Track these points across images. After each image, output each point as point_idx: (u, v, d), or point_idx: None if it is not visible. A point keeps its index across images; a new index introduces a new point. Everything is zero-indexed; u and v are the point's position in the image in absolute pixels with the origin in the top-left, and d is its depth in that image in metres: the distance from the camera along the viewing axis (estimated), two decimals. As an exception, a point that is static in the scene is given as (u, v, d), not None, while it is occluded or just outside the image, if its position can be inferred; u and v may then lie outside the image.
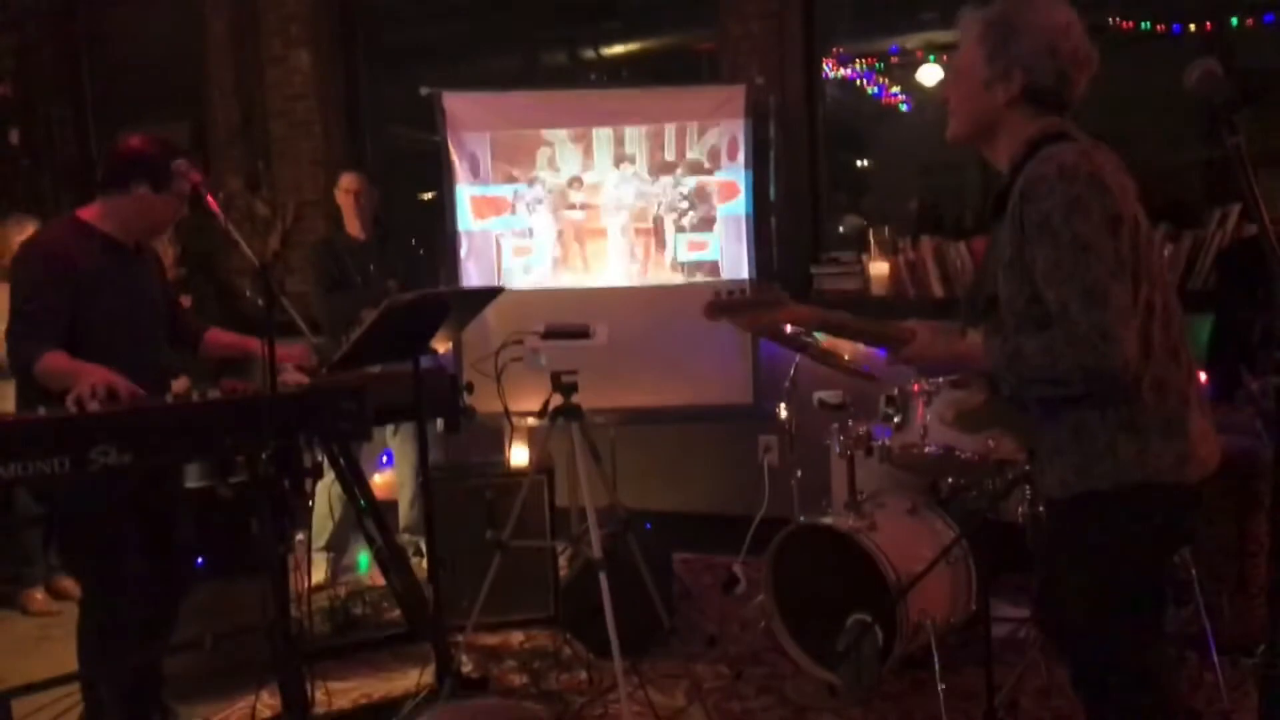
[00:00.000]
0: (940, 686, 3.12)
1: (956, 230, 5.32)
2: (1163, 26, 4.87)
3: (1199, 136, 4.72)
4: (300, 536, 3.99)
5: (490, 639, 3.97)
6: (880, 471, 3.84)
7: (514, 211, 4.81)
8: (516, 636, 4.03)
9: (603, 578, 3.19)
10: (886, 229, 5.01)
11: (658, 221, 4.78)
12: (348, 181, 4.87)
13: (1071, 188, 1.89)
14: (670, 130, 4.73)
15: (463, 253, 4.82)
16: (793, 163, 5.03)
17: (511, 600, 3.95)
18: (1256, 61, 4.83)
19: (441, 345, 3.46)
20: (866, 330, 2.31)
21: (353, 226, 4.85)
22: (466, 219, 4.82)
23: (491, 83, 5.91)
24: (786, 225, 5.04)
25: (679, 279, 4.79)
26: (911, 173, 7.91)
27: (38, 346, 2.81)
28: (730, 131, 4.70)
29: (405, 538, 4.67)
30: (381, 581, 3.95)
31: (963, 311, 2.32)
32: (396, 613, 3.93)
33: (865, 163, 7.61)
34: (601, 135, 4.75)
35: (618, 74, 6.34)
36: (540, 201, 4.80)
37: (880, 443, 3.64)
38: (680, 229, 4.77)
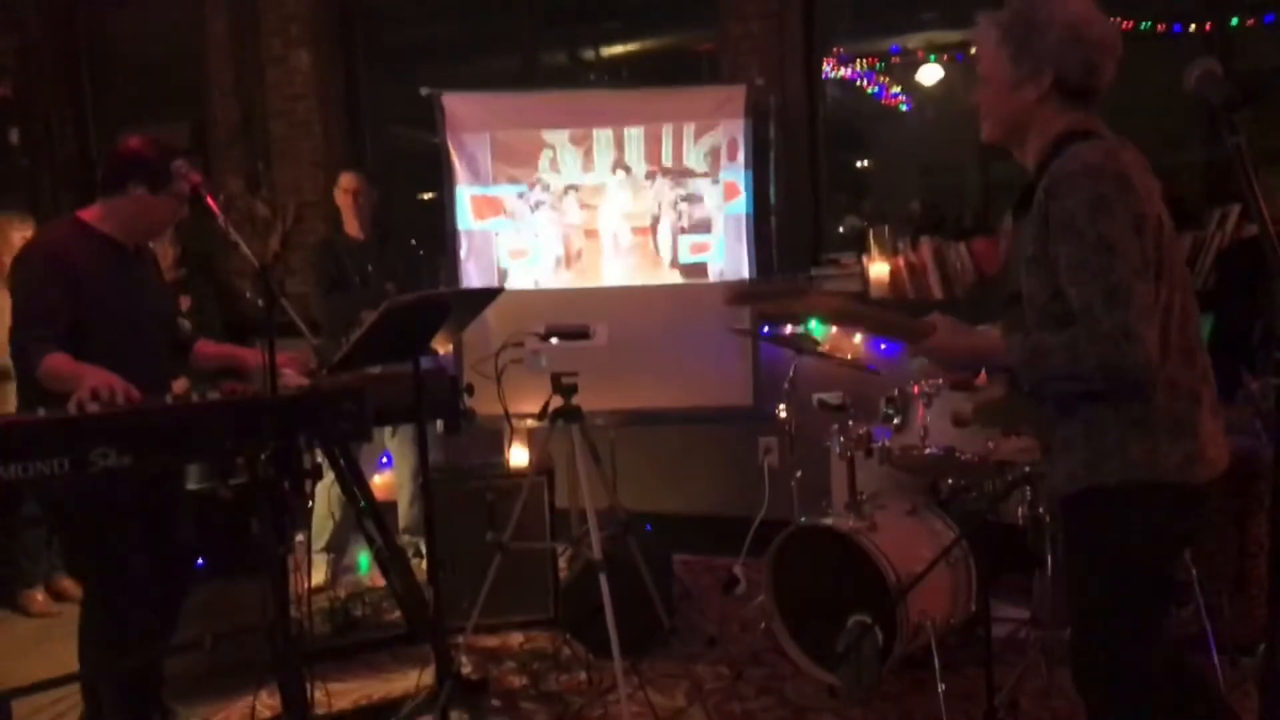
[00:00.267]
0: (940, 687, 3.12)
1: (957, 231, 5.32)
2: (1163, 26, 4.87)
3: (1199, 136, 4.73)
4: (300, 537, 3.99)
5: (490, 640, 3.97)
6: (880, 472, 3.84)
7: (510, 213, 4.81)
8: (516, 638, 4.03)
9: (603, 579, 3.19)
10: (886, 230, 5.00)
11: (656, 222, 4.78)
12: (346, 181, 4.87)
13: (1097, 186, 1.90)
14: (670, 131, 4.73)
15: (463, 253, 4.82)
16: (793, 163, 5.03)
17: (511, 601, 3.95)
18: (1256, 61, 4.83)
19: (442, 346, 3.46)
20: (888, 322, 2.32)
21: (351, 227, 4.85)
22: (467, 219, 4.82)
23: (491, 83, 5.92)
24: (786, 226, 5.04)
25: (679, 280, 4.79)
26: (911, 173, 7.91)
27: (40, 348, 2.81)
28: (730, 132, 4.70)
29: (405, 539, 4.67)
30: (381, 582, 3.94)
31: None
32: (396, 614, 3.92)
33: (865, 163, 7.61)
34: (601, 136, 4.75)
35: (618, 74, 6.34)
36: (542, 203, 4.80)
37: (880, 444, 3.64)
38: (682, 230, 4.77)
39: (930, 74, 6.54)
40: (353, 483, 3.50)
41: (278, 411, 2.71)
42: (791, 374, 4.09)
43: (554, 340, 3.66)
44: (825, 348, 4.38)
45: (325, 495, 4.35)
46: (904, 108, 7.09)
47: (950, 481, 3.80)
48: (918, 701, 3.33)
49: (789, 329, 4.82)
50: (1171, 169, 4.91)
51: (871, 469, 3.81)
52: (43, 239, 3.09)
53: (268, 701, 3.25)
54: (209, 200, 2.99)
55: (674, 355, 4.68)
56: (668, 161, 4.74)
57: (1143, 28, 5.47)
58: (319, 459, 3.01)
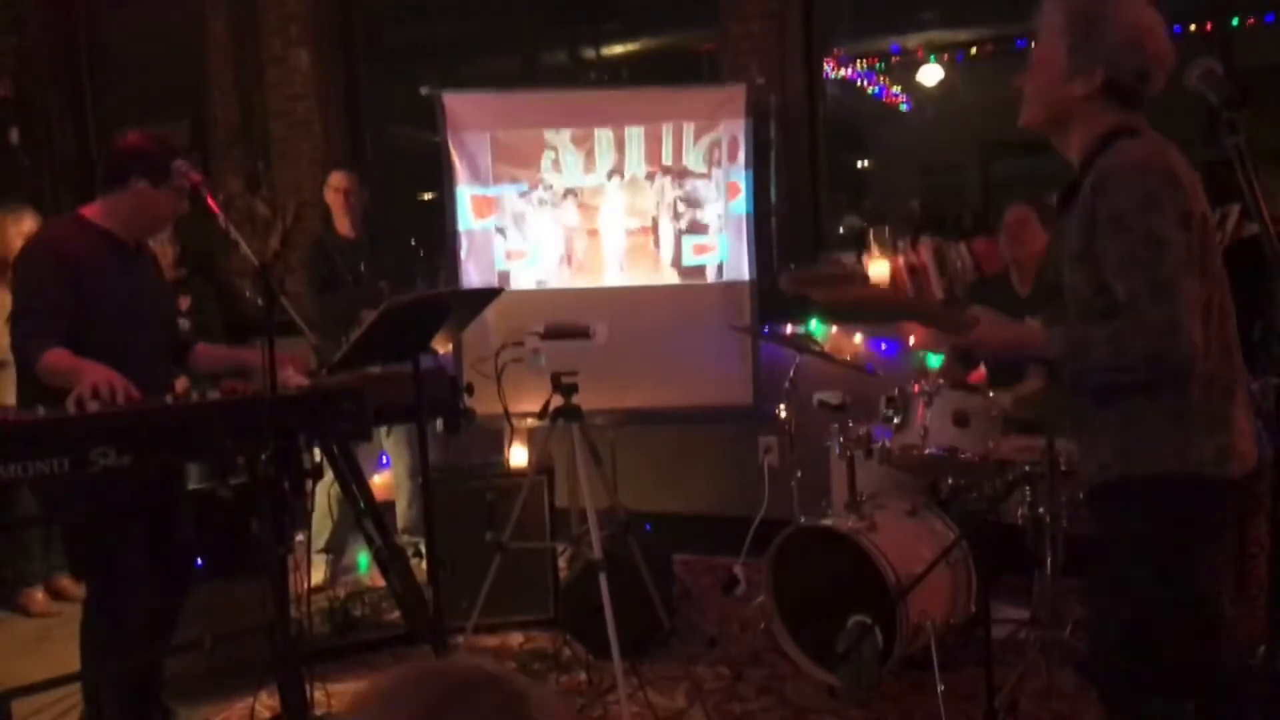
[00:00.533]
0: (940, 687, 3.11)
1: (957, 230, 5.32)
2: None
3: (1199, 136, 4.72)
4: (300, 537, 3.99)
5: (490, 640, 3.97)
6: (880, 472, 3.83)
7: (509, 215, 4.81)
8: (516, 638, 4.02)
9: (603, 579, 3.18)
10: (886, 229, 5.00)
11: (656, 222, 4.78)
12: (337, 180, 4.85)
13: (1146, 182, 1.92)
14: (670, 130, 4.73)
15: (463, 253, 4.82)
16: (793, 163, 5.02)
17: (511, 601, 3.94)
18: (1256, 61, 4.83)
19: (442, 346, 3.46)
20: (934, 313, 2.38)
21: (343, 225, 4.83)
22: (467, 219, 4.82)
23: (491, 82, 5.91)
24: (787, 225, 5.04)
25: (679, 279, 4.79)
26: (911, 172, 7.92)
27: (41, 342, 2.81)
28: (731, 131, 4.70)
29: (404, 539, 4.66)
30: (381, 583, 3.95)
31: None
32: (396, 614, 3.93)
33: (865, 163, 7.62)
34: (602, 136, 4.75)
35: (618, 74, 6.34)
36: (545, 202, 4.79)
37: (880, 444, 3.63)
38: (685, 231, 4.76)
39: (930, 74, 6.55)
40: (353, 482, 3.50)
41: (278, 411, 2.71)
42: (792, 373, 4.08)
43: (554, 340, 3.65)
44: (825, 348, 4.38)
45: (325, 495, 4.35)
46: (904, 107, 7.09)
47: (950, 481, 3.80)
48: (917, 702, 3.33)
49: (789, 328, 4.83)
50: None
51: (871, 469, 3.81)
52: (45, 235, 3.10)
53: (267, 702, 3.25)
54: (209, 199, 2.99)
55: (674, 355, 4.68)
56: (668, 161, 4.74)
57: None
58: (318, 458, 3.01)
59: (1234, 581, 3.43)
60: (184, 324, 4.53)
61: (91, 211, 3.05)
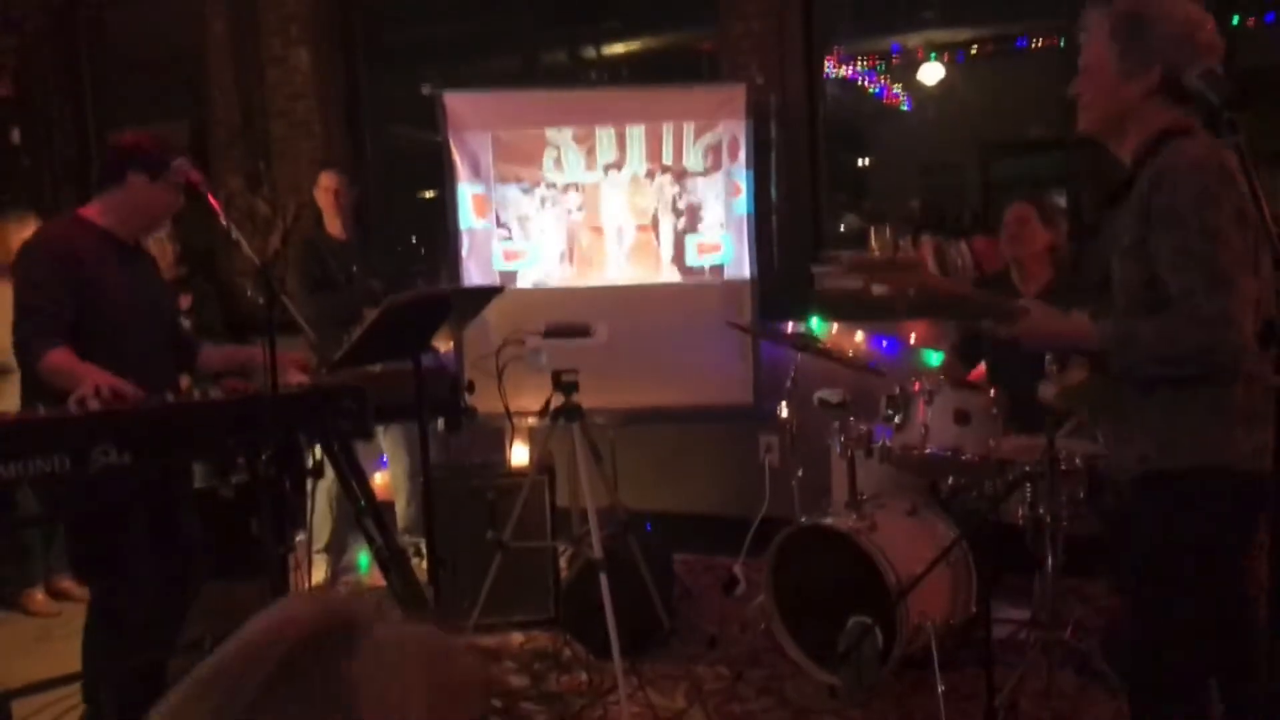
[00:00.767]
0: (940, 688, 3.11)
1: (956, 229, 5.32)
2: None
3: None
4: (300, 537, 3.98)
5: (490, 640, 3.97)
6: (881, 471, 3.83)
7: (508, 213, 4.81)
8: (517, 637, 4.02)
9: (603, 578, 3.18)
10: (887, 228, 5.00)
11: (657, 220, 4.78)
12: (326, 180, 4.83)
13: (1204, 180, 1.95)
14: (670, 129, 4.73)
15: (464, 252, 4.82)
16: (793, 162, 5.02)
17: (512, 601, 3.95)
18: (1256, 61, 4.82)
19: (442, 344, 3.46)
20: (985, 303, 2.42)
21: (333, 226, 4.82)
22: (468, 217, 4.82)
23: (492, 82, 5.91)
24: (787, 224, 5.04)
25: (680, 279, 4.79)
26: (911, 172, 7.92)
27: (43, 343, 2.81)
28: (731, 131, 4.70)
29: (405, 539, 4.66)
30: (382, 582, 3.94)
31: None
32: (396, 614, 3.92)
33: (865, 162, 7.62)
34: (602, 135, 4.75)
35: (618, 73, 6.35)
36: (547, 200, 4.79)
37: (881, 443, 3.63)
38: (686, 230, 4.76)
39: (930, 73, 6.55)
40: (353, 481, 3.50)
41: (279, 409, 2.71)
42: (792, 372, 4.09)
43: (555, 338, 3.66)
44: (826, 346, 4.38)
45: (325, 495, 4.34)
46: (904, 107, 7.09)
47: (950, 481, 3.80)
48: (918, 702, 3.33)
49: (790, 327, 4.83)
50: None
51: (872, 468, 3.81)
52: (45, 234, 3.10)
53: (268, 701, 3.24)
54: (210, 199, 2.99)
55: (675, 353, 4.68)
56: (668, 160, 4.74)
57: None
58: (319, 457, 3.01)
59: (1269, 574, 3.44)
60: (185, 323, 4.54)
61: (90, 211, 3.05)
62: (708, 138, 4.72)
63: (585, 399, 3.40)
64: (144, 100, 6.38)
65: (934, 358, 4.63)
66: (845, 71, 6.18)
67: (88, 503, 2.87)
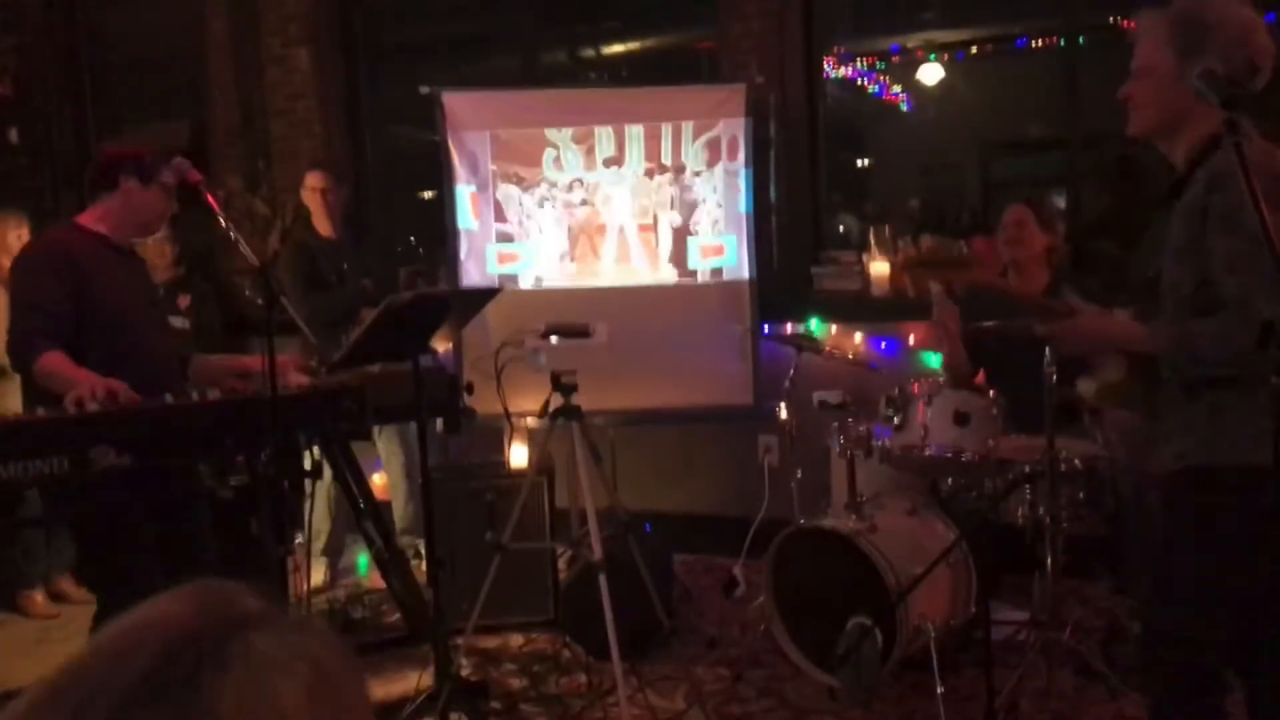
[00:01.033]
0: (940, 689, 3.11)
1: (956, 229, 5.31)
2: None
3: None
4: (300, 538, 3.98)
5: (489, 641, 3.96)
6: (880, 472, 3.83)
7: (507, 212, 4.80)
8: (516, 639, 4.02)
9: (602, 580, 3.17)
10: (887, 228, 5.00)
11: (656, 220, 4.77)
12: (313, 180, 4.80)
13: (1260, 181, 1.94)
14: (669, 129, 4.72)
15: (463, 252, 4.81)
16: (793, 162, 5.02)
17: (511, 602, 3.93)
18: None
19: (441, 344, 3.46)
20: (1035, 302, 2.47)
21: (323, 225, 4.79)
22: (467, 217, 4.82)
23: (491, 82, 5.91)
24: (787, 224, 5.03)
25: (677, 277, 4.78)
26: (911, 172, 7.92)
27: (39, 343, 2.81)
28: (730, 130, 4.69)
29: (404, 540, 4.66)
30: (381, 584, 3.94)
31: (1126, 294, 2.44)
32: (396, 615, 3.92)
33: (865, 162, 7.61)
34: (602, 134, 4.74)
35: (617, 73, 6.34)
36: (547, 199, 4.79)
37: (880, 443, 3.63)
38: (685, 230, 4.76)
39: (930, 73, 6.55)
40: (352, 482, 3.50)
41: (278, 410, 2.71)
42: (792, 373, 4.08)
43: (554, 339, 3.65)
44: (826, 346, 4.38)
45: (324, 496, 4.34)
46: (904, 107, 7.09)
47: (950, 481, 3.79)
48: (918, 703, 3.32)
49: (789, 327, 4.82)
50: (1171, 167, 4.91)
51: (872, 468, 3.80)
52: (42, 240, 3.13)
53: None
54: (209, 199, 3.00)
55: (674, 354, 4.67)
56: (667, 160, 4.73)
57: (1144, 27, 5.45)
58: (318, 458, 3.01)
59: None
60: (184, 323, 4.54)
61: (85, 219, 3.09)
62: (707, 137, 4.72)
63: (585, 399, 3.40)
64: (144, 100, 6.38)
65: (933, 359, 4.62)
66: (845, 71, 6.17)
67: (88, 504, 2.87)
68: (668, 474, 5.12)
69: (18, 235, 4.37)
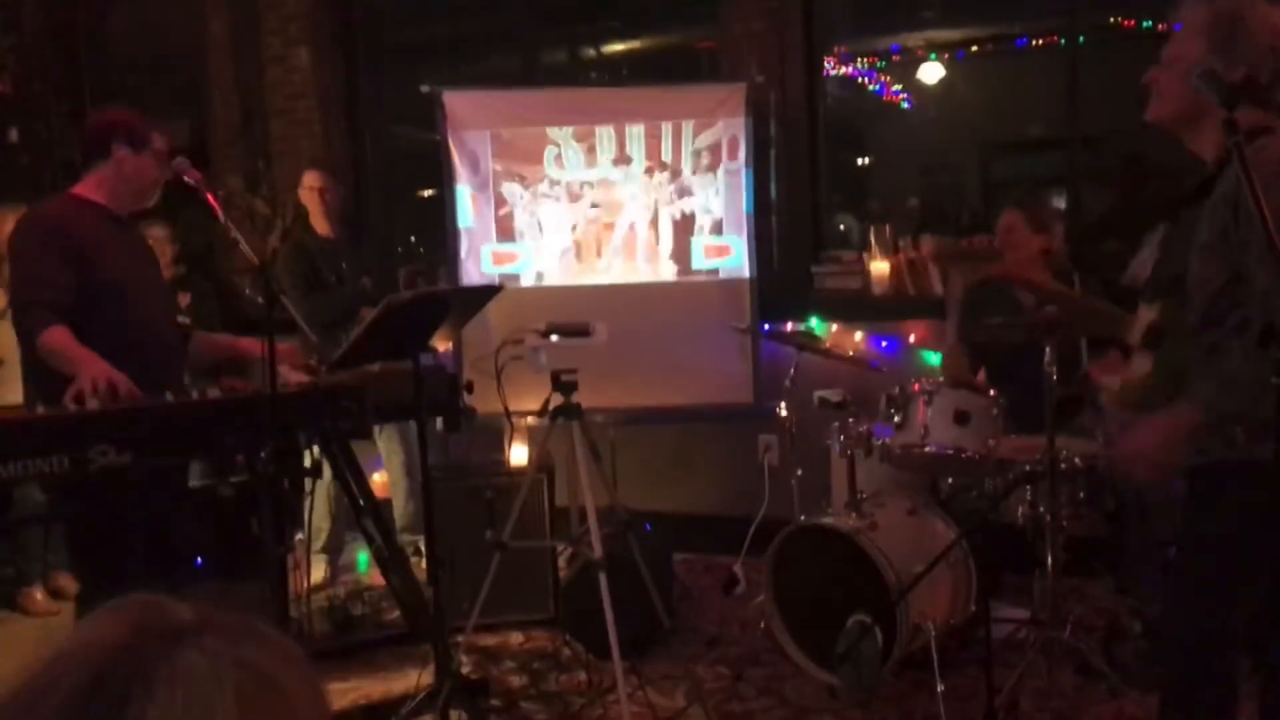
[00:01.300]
0: (940, 688, 3.11)
1: (956, 228, 5.31)
2: (1164, 25, 4.86)
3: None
4: (300, 536, 3.98)
5: (489, 639, 3.97)
6: (880, 471, 3.83)
7: (507, 210, 4.80)
8: (516, 637, 4.02)
9: (602, 578, 3.17)
10: (887, 227, 5.00)
11: (656, 219, 4.77)
12: (310, 179, 4.80)
13: None
14: (670, 128, 4.72)
15: (463, 251, 4.81)
16: (793, 161, 5.02)
17: (511, 601, 3.94)
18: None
19: (441, 343, 3.46)
20: (1094, 308, 2.55)
21: (320, 225, 4.79)
22: (467, 217, 4.82)
23: (492, 81, 5.91)
24: (787, 223, 5.03)
25: (677, 276, 4.78)
26: (911, 171, 7.92)
27: (41, 316, 2.81)
28: (731, 130, 4.69)
29: (404, 538, 4.66)
30: (381, 582, 3.94)
31: (1144, 290, 2.42)
32: (396, 613, 3.92)
33: (865, 161, 7.62)
34: (602, 133, 4.74)
35: (618, 72, 6.35)
36: (548, 197, 4.79)
37: (881, 442, 3.63)
38: (689, 233, 4.75)
39: (931, 72, 6.56)
40: (353, 481, 3.50)
41: (278, 409, 2.71)
42: (792, 371, 4.08)
43: (554, 338, 3.65)
44: (826, 345, 4.38)
45: (324, 495, 4.34)
46: (905, 106, 7.09)
47: (950, 480, 3.79)
48: (918, 702, 3.32)
49: (789, 326, 4.82)
50: (1172, 168, 4.91)
51: (872, 467, 3.80)
52: (39, 212, 3.11)
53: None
54: (209, 198, 3.00)
55: (674, 353, 4.67)
56: (667, 159, 4.73)
57: (1144, 26, 5.47)
58: (318, 457, 3.01)
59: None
60: (184, 321, 4.54)
61: (81, 189, 3.07)
62: (707, 136, 4.72)
63: (584, 398, 3.39)
64: (144, 99, 6.37)
65: (933, 357, 4.62)
66: (845, 71, 6.17)
67: (87, 502, 2.87)
68: (668, 472, 5.12)
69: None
